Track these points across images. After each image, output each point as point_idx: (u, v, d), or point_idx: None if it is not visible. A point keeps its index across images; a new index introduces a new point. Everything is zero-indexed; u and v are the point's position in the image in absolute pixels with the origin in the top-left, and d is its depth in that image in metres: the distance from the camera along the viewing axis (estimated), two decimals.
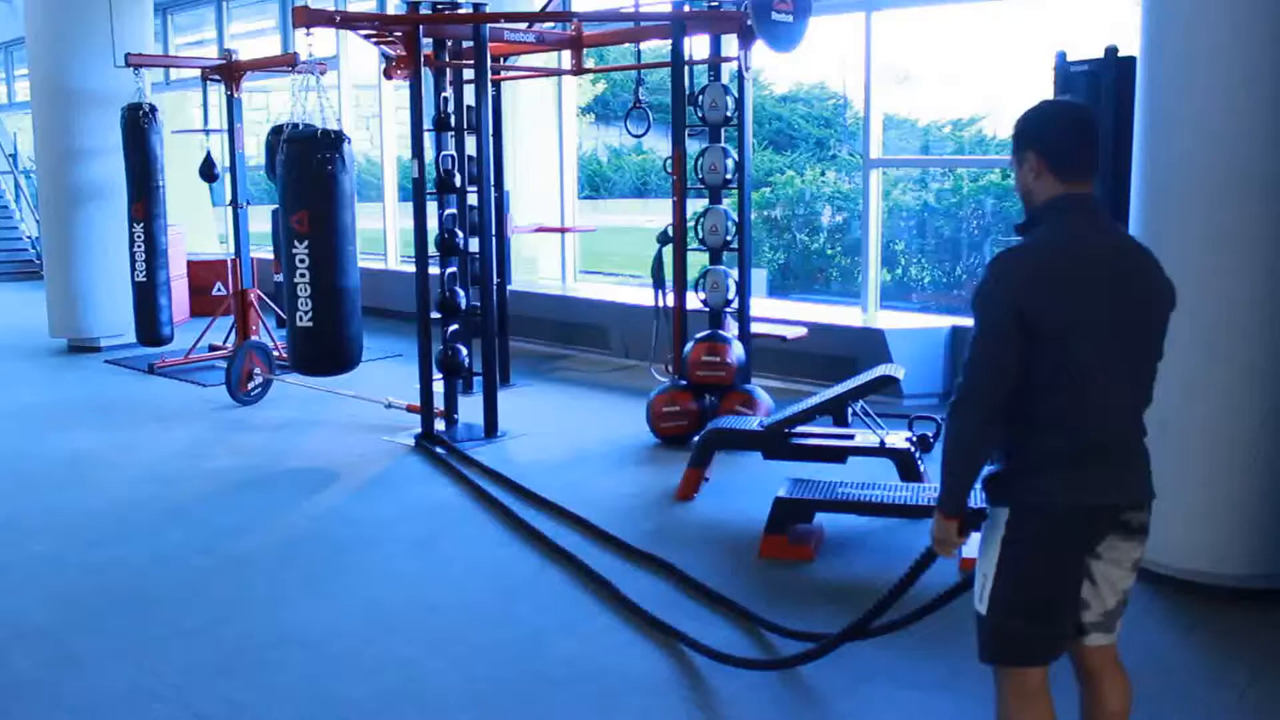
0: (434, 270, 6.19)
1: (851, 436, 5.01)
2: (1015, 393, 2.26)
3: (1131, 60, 4.20)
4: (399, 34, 6.08)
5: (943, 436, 2.41)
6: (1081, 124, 2.38)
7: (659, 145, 11.75)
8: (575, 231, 9.46)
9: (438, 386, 6.25)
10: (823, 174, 12.39)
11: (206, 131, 8.81)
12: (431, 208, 6.16)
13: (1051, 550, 2.32)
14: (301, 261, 5.84)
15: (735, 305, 6.15)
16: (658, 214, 8.39)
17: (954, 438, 2.33)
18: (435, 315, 6.22)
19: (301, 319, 5.94)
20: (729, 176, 6.07)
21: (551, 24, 6.90)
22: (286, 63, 7.55)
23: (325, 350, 6.03)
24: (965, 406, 2.29)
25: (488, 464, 5.56)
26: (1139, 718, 2.65)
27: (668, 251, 6.25)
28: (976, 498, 2.46)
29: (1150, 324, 2.33)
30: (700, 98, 6.07)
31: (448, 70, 6.47)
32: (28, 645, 3.66)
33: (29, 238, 15.36)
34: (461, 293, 6.34)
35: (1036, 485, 2.28)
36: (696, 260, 6.30)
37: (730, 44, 6.18)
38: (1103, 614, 2.51)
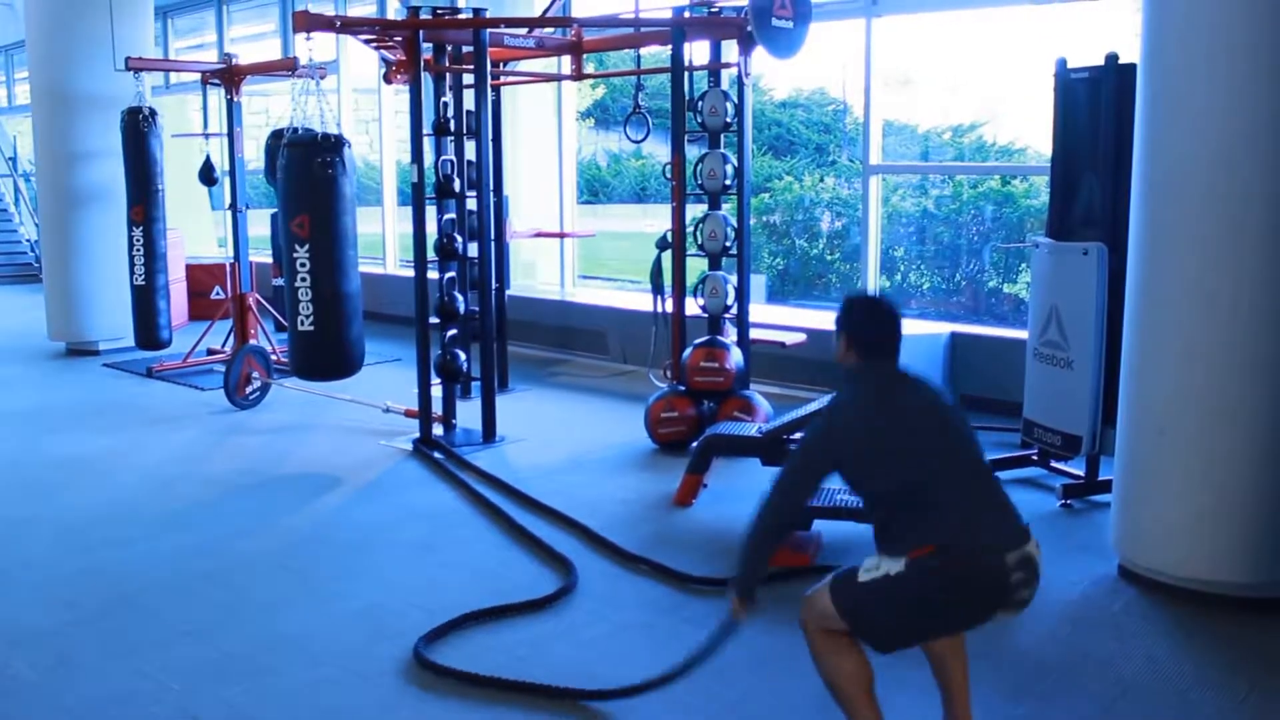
0: (433, 275, 6.19)
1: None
2: (885, 503, 2.64)
3: (1132, 67, 4.21)
4: (399, 39, 6.08)
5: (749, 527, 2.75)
6: (881, 313, 2.83)
7: (658, 150, 11.75)
8: (574, 236, 9.46)
9: (436, 391, 6.25)
10: (822, 180, 12.39)
11: (206, 135, 8.81)
12: (430, 212, 6.16)
13: (941, 605, 2.57)
14: (302, 266, 5.84)
15: (734, 311, 6.15)
16: (657, 219, 8.40)
17: (753, 533, 2.73)
18: (434, 320, 6.21)
19: (302, 323, 5.93)
20: (728, 182, 6.07)
21: (551, 29, 6.91)
22: (286, 67, 7.55)
23: (326, 355, 6.02)
24: (766, 516, 2.72)
25: (486, 469, 5.55)
26: None
27: (667, 257, 6.25)
28: None
29: (956, 428, 2.73)
30: (700, 103, 6.07)
31: (447, 75, 6.48)
32: (26, 649, 3.65)
33: (28, 241, 15.35)
34: (460, 298, 6.34)
35: (933, 542, 2.55)
36: (695, 266, 6.30)
37: (730, 50, 6.19)
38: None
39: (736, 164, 6.07)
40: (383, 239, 11.16)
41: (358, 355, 6.13)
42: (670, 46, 6.06)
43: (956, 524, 2.56)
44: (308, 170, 5.79)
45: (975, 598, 2.57)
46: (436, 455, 5.84)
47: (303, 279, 5.85)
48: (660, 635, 3.71)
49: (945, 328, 7.00)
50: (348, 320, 6.01)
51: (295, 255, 5.85)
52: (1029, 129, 10.15)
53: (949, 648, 2.83)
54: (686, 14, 6.25)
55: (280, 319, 7.58)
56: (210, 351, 8.56)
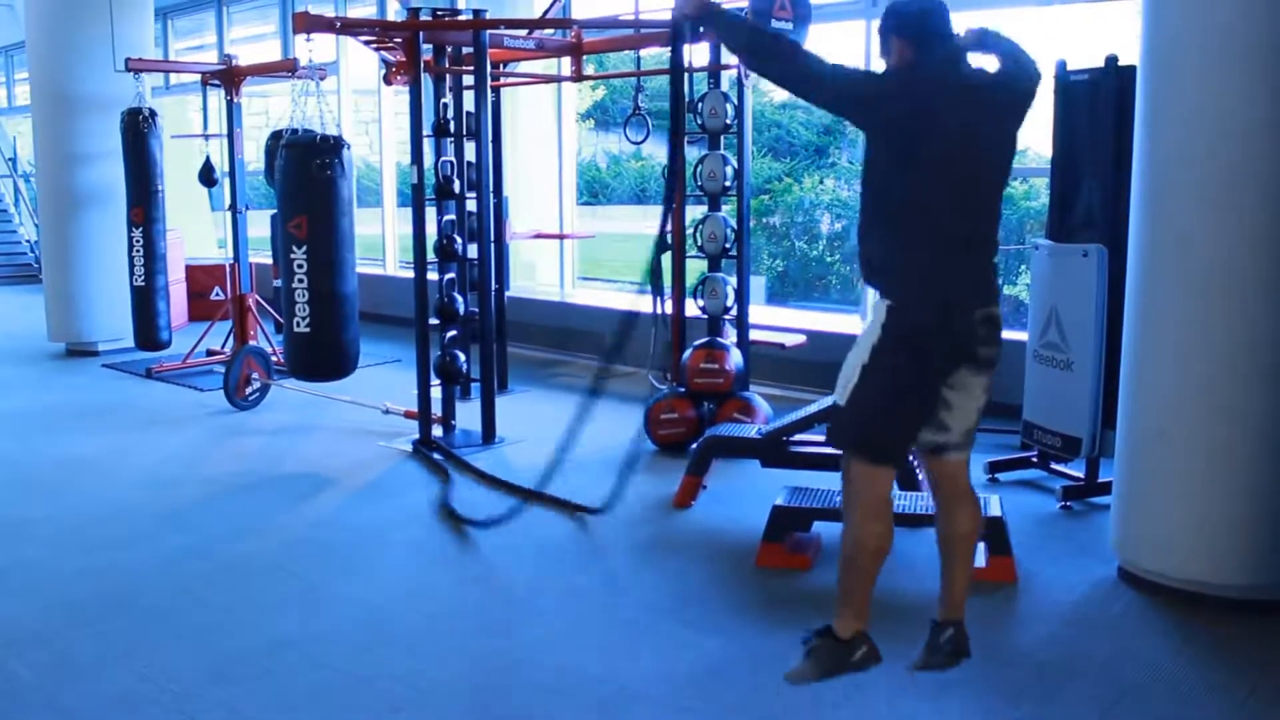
0: (432, 276, 6.19)
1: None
2: (884, 212, 2.78)
3: (1131, 69, 4.21)
4: (399, 40, 6.08)
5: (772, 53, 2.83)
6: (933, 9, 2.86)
7: (658, 152, 11.77)
8: (574, 238, 9.46)
9: (435, 392, 6.24)
10: (822, 182, 12.40)
11: (206, 136, 8.82)
12: (430, 214, 6.16)
13: (917, 348, 2.74)
14: (299, 267, 5.84)
15: (734, 313, 6.15)
16: (656, 220, 8.40)
17: (769, 52, 2.83)
18: (433, 321, 6.21)
19: (299, 324, 5.93)
20: (728, 184, 6.07)
21: (551, 31, 6.91)
22: (286, 68, 7.55)
23: (322, 356, 6.02)
24: (777, 42, 2.85)
25: (485, 470, 5.55)
26: None
27: (666, 258, 6.25)
28: None
29: (1000, 127, 2.82)
30: (700, 105, 6.07)
31: (447, 76, 6.48)
32: (24, 651, 3.64)
33: (28, 241, 15.36)
34: (460, 299, 6.34)
35: (909, 288, 2.76)
36: (695, 267, 6.29)
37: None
38: (961, 433, 2.91)
39: (736, 166, 6.07)
40: (382, 240, 11.16)
41: (353, 356, 6.14)
42: (670, 48, 6.06)
43: (935, 277, 2.76)
44: (306, 171, 5.79)
45: (942, 344, 2.76)
46: (435, 456, 5.84)
47: (300, 280, 5.85)
48: (659, 637, 3.71)
49: None
50: (344, 321, 6.01)
51: (292, 256, 5.85)
52: (1029, 131, 10.15)
53: (962, 542, 2.98)
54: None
55: (280, 320, 7.58)
56: (210, 352, 8.56)
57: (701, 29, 2.90)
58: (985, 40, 2.94)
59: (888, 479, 2.89)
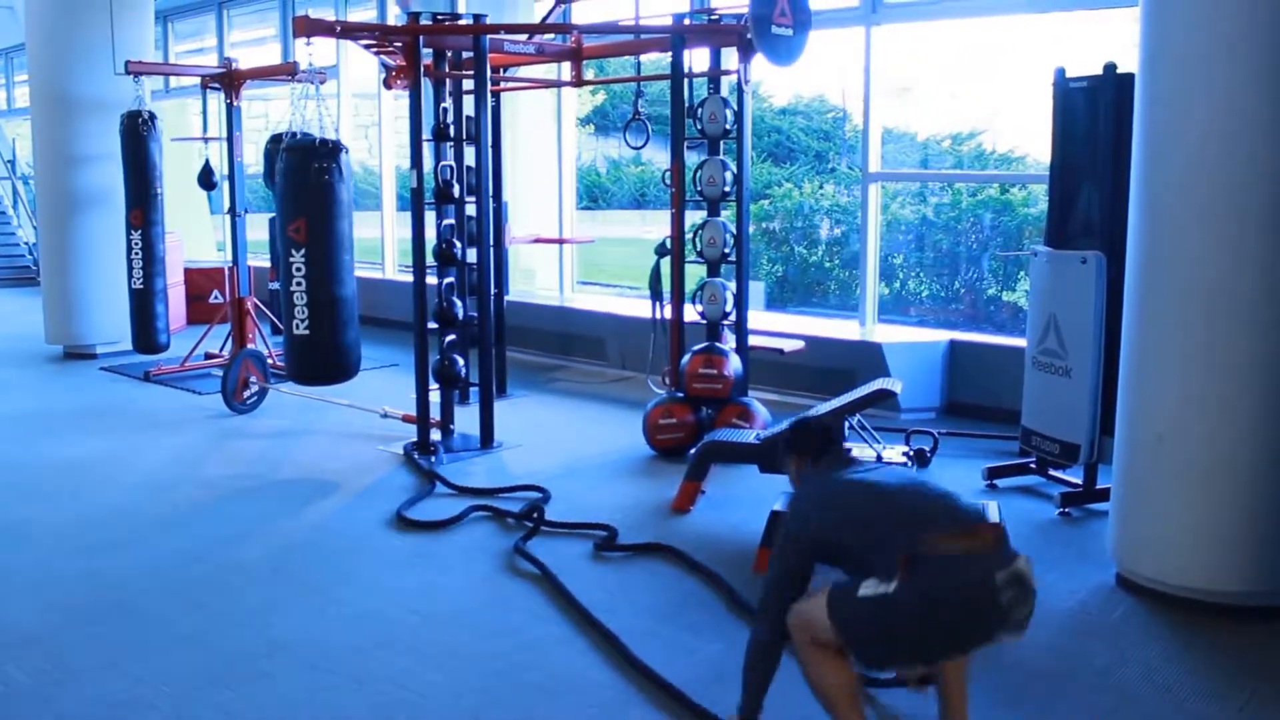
0: (432, 280, 6.18)
1: (849, 450, 5.00)
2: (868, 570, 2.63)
3: (1130, 77, 4.22)
4: (399, 44, 6.09)
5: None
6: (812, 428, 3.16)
7: (658, 157, 11.78)
8: (573, 242, 9.46)
9: (434, 396, 6.24)
10: (821, 187, 12.41)
11: (205, 139, 8.82)
12: (430, 218, 6.16)
13: (942, 615, 2.53)
14: (298, 270, 5.84)
15: (733, 318, 6.15)
16: (656, 225, 8.40)
17: (749, 662, 2.88)
18: (432, 325, 6.21)
19: (298, 328, 5.93)
20: (727, 189, 6.08)
21: (551, 36, 6.92)
22: (286, 71, 7.56)
23: (321, 360, 6.02)
24: (757, 642, 2.86)
25: (482, 474, 5.54)
26: None
27: (665, 263, 6.25)
28: None
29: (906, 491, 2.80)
30: (699, 110, 6.07)
31: (447, 81, 6.48)
32: (21, 654, 3.64)
33: (26, 244, 15.35)
34: (459, 303, 6.34)
35: (914, 577, 2.53)
36: (694, 272, 6.30)
37: (730, 57, 6.19)
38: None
39: (736, 171, 6.07)
40: (382, 244, 11.16)
41: (353, 360, 6.13)
42: (670, 53, 6.07)
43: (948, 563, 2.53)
44: (305, 175, 5.79)
45: (968, 618, 2.53)
46: (420, 462, 5.81)
47: (298, 283, 5.85)
48: (660, 643, 3.70)
49: (944, 335, 7.00)
50: (343, 325, 6.00)
51: (291, 260, 5.85)
52: (1028, 137, 10.17)
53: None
54: (686, 21, 6.26)
55: (278, 323, 7.57)
56: (208, 356, 8.56)
57: None
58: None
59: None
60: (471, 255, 6.35)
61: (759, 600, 2.90)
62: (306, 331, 5.91)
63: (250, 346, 7.76)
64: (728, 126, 6.04)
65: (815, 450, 3.06)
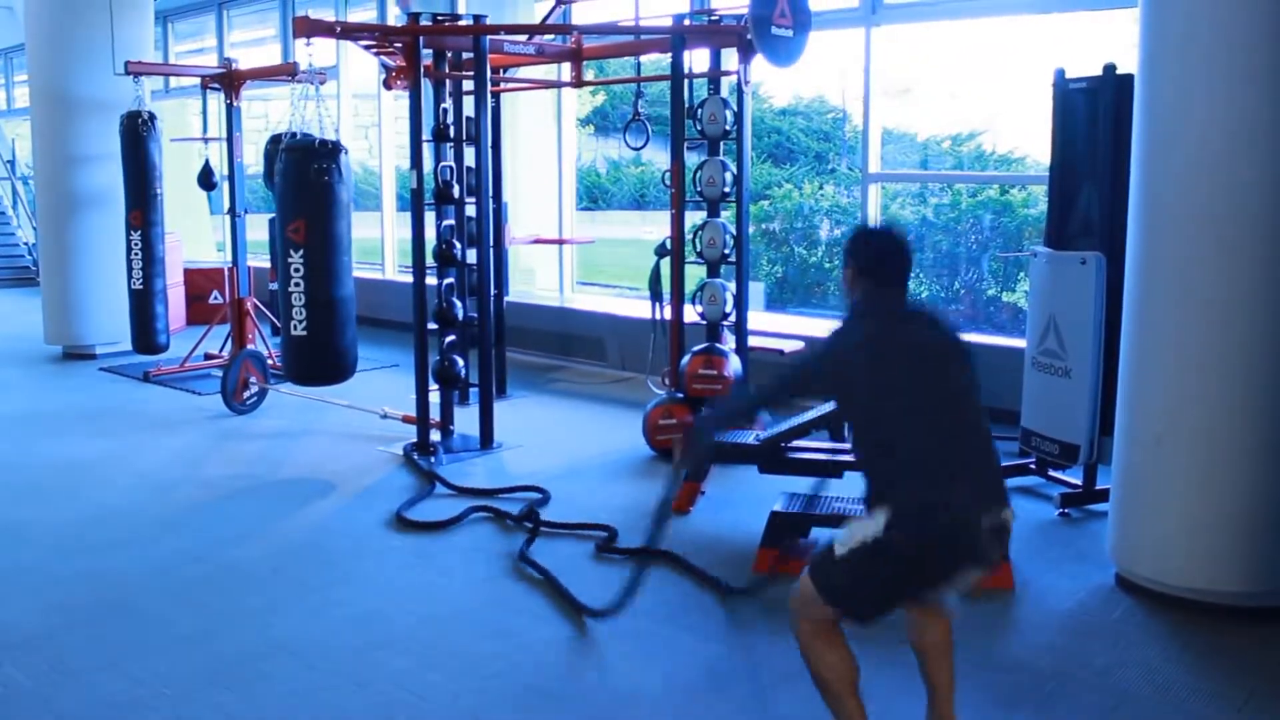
0: (431, 281, 6.18)
1: (848, 451, 5.00)
2: (876, 448, 2.69)
3: (1130, 78, 4.22)
4: (399, 45, 6.09)
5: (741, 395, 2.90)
6: (893, 245, 2.87)
7: (658, 158, 11.78)
8: (573, 243, 9.46)
9: (434, 397, 6.24)
10: (821, 188, 12.42)
11: (205, 140, 8.82)
12: (430, 218, 6.16)
13: (916, 563, 2.60)
14: (296, 271, 5.84)
15: (733, 318, 6.15)
16: (656, 226, 8.40)
17: (731, 402, 2.94)
18: (432, 326, 6.21)
19: (295, 328, 5.93)
20: (727, 189, 6.07)
21: (551, 36, 6.92)
22: (286, 72, 7.56)
23: (318, 360, 6.02)
24: (749, 397, 2.91)
25: (482, 474, 5.54)
26: None
27: (665, 264, 6.25)
28: None
29: (959, 378, 2.75)
30: (699, 111, 6.07)
31: (447, 81, 6.48)
32: (20, 655, 3.64)
33: (26, 244, 15.35)
34: (459, 303, 6.34)
35: (909, 502, 2.59)
36: (694, 273, 6.30)
37: (730, 58, 6.19)
38: (952, 604, 2.82)
39: (735, 171, 6.07)
40: (381, 244, 11.16)
41: (350, 361, 6.13)
42: (670, 54, 6.07)
43: (937, 488, 2.59)
44: (304, 176, 5.79)
45: (947, 557, 2.62)
46: (420, 462, 5.81)
47: (296, 284, 5.85)
48: (658, 643, 3.70)
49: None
50: (340, 326, 6.00)
51: (289, 260, 5.85)
52: (1028, 138, 10.18)
53: (936, 648, 2.86)
54: (686, 22, 6.26)
55: (278, 324, 7.57)
56: (208, 356, 8.55)
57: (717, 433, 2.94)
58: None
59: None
60: (471, 256, 6.35)
61: (773, 377, 2.87)
62: (304, 332, 5.91)
63: (250, 347, 7.76)
64: (728, 127, 6.04)
65: (884, 271, 2.81)
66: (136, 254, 8.08)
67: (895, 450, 2.65)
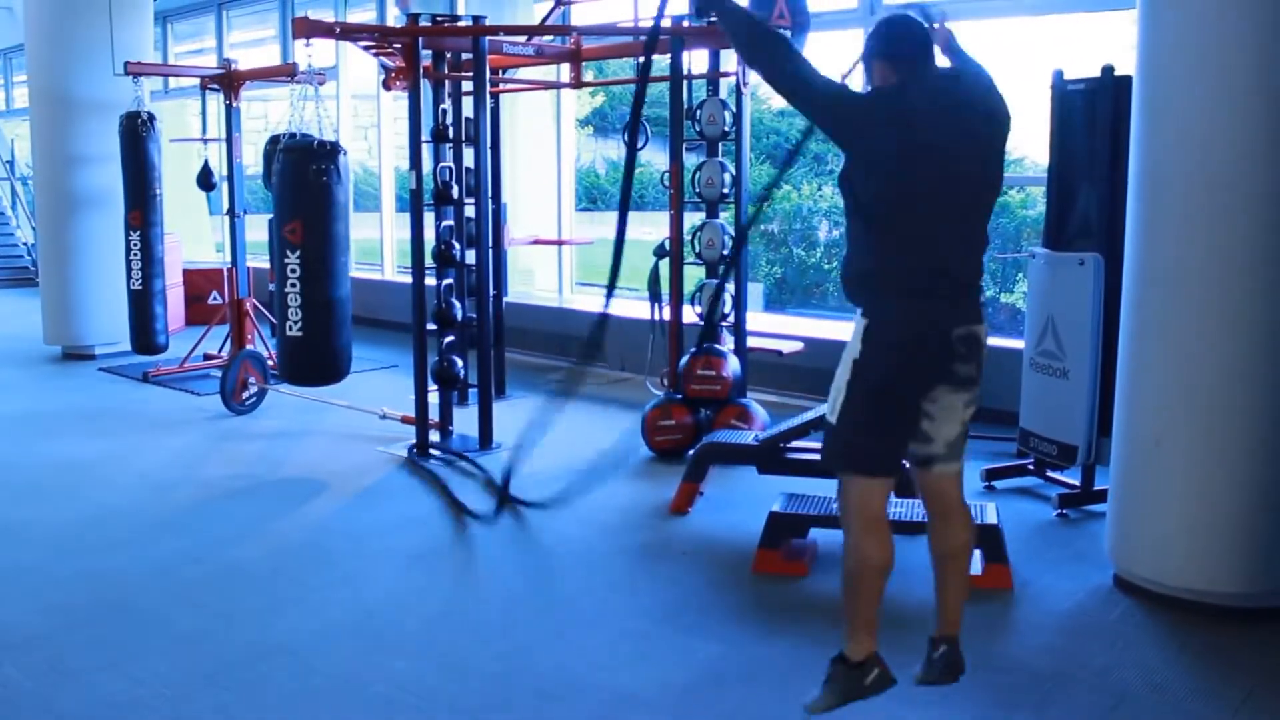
0: (430, 281, 6.19)
1: None
2: (864, 228, 2.76)
3: (1128, 79, 4.22)
4: (398, 45, 6.09)
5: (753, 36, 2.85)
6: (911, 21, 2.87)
7: (657, 159, 11.77)
8: (572, 244, 9.46)
9: (433, 398, 6.24)
10: (820, 189, 12.42)
11: (205, 140, 8.82)
12: (429, 219, 6.17)
13: (894, 365, 2.76)
14: (293, 271, 5.85)
15: (731, 319, 6.15)
16: (655, 227, 8.40)
17: (764, 44, 2.83)
18: (431, 326, 6.21)
19: (291, 329, 5.93)
20: (726, 190, 6.08)
21: (551, 37, 6.92)
22: (285, 73, 7.55)
23: (313, 361, 6.02)
24: (761, 30, 2.86)
25: (482, 477, 5.55)
26: None
27: (664, 265, 6.25)
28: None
29: (982, 147, 2.79)
30: (698, 112, 6.08)
31: (446, 82, 6.49)
32: (18, 655, 3.64)
33: (25, 244, 15.35)
34: (458, 304, 6.34)
35: (887, 307, 2.76)
36: (693, 274, 6.30)
37: (729, 59, 6.20)
38: (945, 445, 2.91)
39: (734, 173, 6.08)
40: (381, 245, 11.16)
41: (345, 362, 6.13)
42: (669, 55, 6.08)
43: (913, 299, 2.74)
44: (301, 176, 5.79)
45: (919, 364, 2.77)
46: (432, 464, 5.81)
47: (292, 285, 5.86)
48: (656, 644, 3.71)
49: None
50: (336, 327, 6.00)
51: (286, 261, 5.86)
52: (1026, 140, 10.18)
53: (955, 554, 2.99)
54: (686, 23, 6.26)
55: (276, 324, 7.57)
56: (207, 357, 8.56)
57: (710, 13, 2.89)
58: (954, 50, 2.98)
59: (882, 494, 2.87)
60: (470, 256, 6.35)
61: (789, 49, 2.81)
62: (300, 334, 5.91)
63: (249, 347, 7.76)
64: (726, 128, 6.04)
65: (908, 47, 2.79)
66: (136, 254, 8.08)
67: (881, 239, 2.75)
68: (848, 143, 2.77)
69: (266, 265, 9.03)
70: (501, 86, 7.57)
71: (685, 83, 6.09)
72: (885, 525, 2.87)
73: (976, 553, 2.96)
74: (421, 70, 5.91)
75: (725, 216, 6.24)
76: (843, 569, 2.89)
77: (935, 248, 2.75)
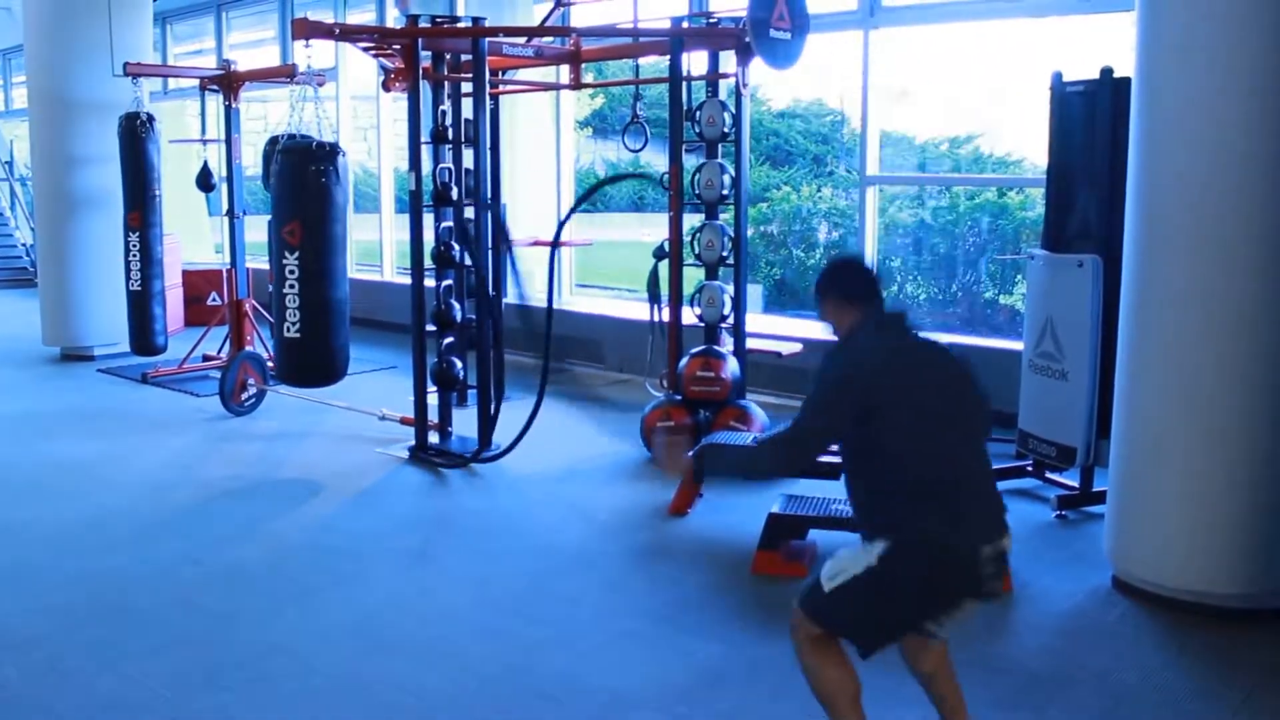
0: (430, 282, 6.19)
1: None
2: (872, 468, 2.65)
3: (1127, 81, 4.23)
4: (398, 47, 6.09)
5: (757, 453, 2.81)
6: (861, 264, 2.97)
7: (656, 160, 11.78)
8: (571, 245, 9.46)
9: (432, 399, 6.24)
10: (819, 190, 12.43)
11: (204, 141, 8.82)
12: (428, 220, 6.16)
13: (912, 596, 2.59)
14: (291, 273, 5.85)
15: (730, 321, 6.16)
16: (654, 229, 8.40)
17: (753, 453, 2.81)
18: (431, 327, 6.21)
19: (289, 330, 5.93)
20: (726, 192, 6.08)
21: (550, 39, 6.92)
22: (285, 74, 7.56)
23: (310, 362, 6.02)
24: (773, 453, 2.74)
25: (481, 475, 5.54)
26: None
27: (664, 266, 6.25)
28: None
29: (965, 398, 2.76)
30: (698, 113, 6.08)
31: (446, 83, 6.48)
32: (17, 655, 3.64)
33: (24, 245, 15.34)
34: (457, 305, 6.34)
35: (914, 526, 2.58)
36: (692, 275, 6.30)
37: (728, 60, 6.20)
38: (946, 633, 2.76)
39: (734, 174, 6.08)
40: (380, 246, 11.16)
41: (342, 363, 6.13)
42: (669, 57, 6.08)
43: (944, 522, 2.56)
44: (300, 177, 5.79)
45: (947, 588, 2.61)
46: (437, 460, 5.81)
47: (291, 285, 5.86)
48: (656, 645, 3.71)
49: (941, 338, 6.98)
50: (334, 328, 6.00)
51: (284, 262, 5.86)
52: (1025, 141, 10.18)
53: (938, 671, 2.85)
54: (685, 25, 6.27)
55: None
56: (206, 358, 8.55)
57: (716, 474, 2.83)
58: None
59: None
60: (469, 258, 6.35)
61: (795, 427, 2.68)
62: (298, 334, 5.91)
63: (248, 349, 7.76)
64: (726, 130, 6.05)
65: (865, 288, 2.82)
66: (135, 255, 8.07)
67: (902, 477, 2.61)
68: (865, 419, 2.64)
69: (266, 266, 9.04)
70: (501, 88, 7.57)
71: (685, 84, 6.09)
72: (840, 649, 2.69)
73: None
74: (421, 71, 5.91)
75: (725, 218, 6.24)
76: (817, 697, 2.72)
77: (956, 473, 2.65)
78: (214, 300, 10.25)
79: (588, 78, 7.36)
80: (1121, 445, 4.10)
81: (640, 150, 6.93)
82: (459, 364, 6.34)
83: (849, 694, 2.69)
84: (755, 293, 9.93)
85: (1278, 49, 3.62)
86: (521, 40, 6.58)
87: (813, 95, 15.22)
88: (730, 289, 6.15)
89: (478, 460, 5.66)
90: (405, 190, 6.54)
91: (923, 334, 2.82)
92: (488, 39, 6.02)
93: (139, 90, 8.03)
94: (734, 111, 6.03)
